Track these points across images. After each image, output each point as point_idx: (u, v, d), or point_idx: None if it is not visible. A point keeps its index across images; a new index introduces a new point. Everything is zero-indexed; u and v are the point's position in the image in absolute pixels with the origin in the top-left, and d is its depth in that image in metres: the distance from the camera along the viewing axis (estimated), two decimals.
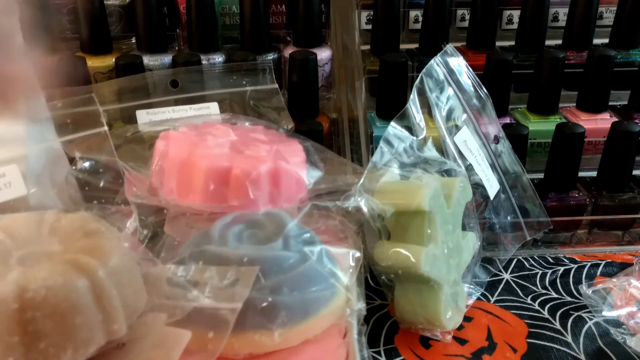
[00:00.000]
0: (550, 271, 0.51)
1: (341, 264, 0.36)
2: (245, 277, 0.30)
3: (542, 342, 0.43)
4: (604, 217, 0.54)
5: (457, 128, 0.48)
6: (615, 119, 0.58)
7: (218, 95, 0.49)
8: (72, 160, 0.37)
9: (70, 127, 0.37)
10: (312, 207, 0.36)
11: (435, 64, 0.48)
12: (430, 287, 0.41)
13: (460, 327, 0.44)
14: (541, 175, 0.55)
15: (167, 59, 0.56)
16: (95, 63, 0.55)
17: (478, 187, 0.47)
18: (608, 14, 0.66)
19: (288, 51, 0.57)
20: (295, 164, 0.31)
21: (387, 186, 0.41)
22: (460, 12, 0.67)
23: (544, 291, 0.49)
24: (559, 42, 0.64)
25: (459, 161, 0.46)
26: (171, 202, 0.37)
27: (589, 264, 0.52)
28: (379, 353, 0.42)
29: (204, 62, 0.55)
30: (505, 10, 0.66)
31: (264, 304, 0.31)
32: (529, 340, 0.44)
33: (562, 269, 0.51)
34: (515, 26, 0.65)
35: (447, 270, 0.42)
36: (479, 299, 0.48)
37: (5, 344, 0.25)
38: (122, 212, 0.34)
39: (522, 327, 0.45)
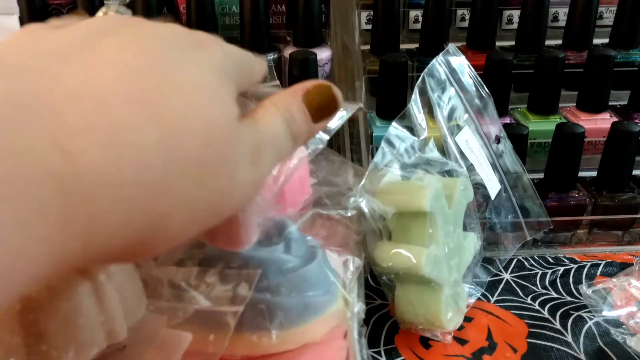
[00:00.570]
0: (550, 271, 0.51)
1: (341, 269, 0.36)
2: (247, 279, 0.30)
3: (542, 342, 0.44)
4: (604, 217, 0.54)
5: (459, 128, 0.48)
6: (615, 119, 0.58)
7: None
8: None
9: None
10: (314, 214, 0.36)
11: (437, 64, 0.48)
12: (430, 288, 0.41)
13: (461, 328, 0.44)
14: (541, 175, 0.55)
15: None
16: None
17: (479, 187, 0.48)
18: (608, 14, 0.66)
19: (288, 51, 0.58)
20: (297, 166, 0.31)
21: (389, 187, 0.41)
22: (460, 12, 0.67)
23: (544, 291, 0.49)
24: (559, 42, 0.64)
25: (461, 161, 0.46)
26: None
27: (589, 264, 0.52)
28: (379, 353, 0.42)
29: None
30: (505, 10, 0.66)
31: (262, 305, 0.31)
32: (529, 340, 0.44)
33: (562, 269, 0.51)
34: (515, 26, 0.65)
35: (448, 270, 0.42)
36: (479, 299, 0.48)
37: (7, 346, 0.25)
38: None
39: (522, 327, 0.45)
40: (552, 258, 0.53)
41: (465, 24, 0.65)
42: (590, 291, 0.47)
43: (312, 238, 0.34)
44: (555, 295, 0.48)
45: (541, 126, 0.58)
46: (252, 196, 0.23)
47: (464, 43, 0.63)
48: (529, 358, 0.42)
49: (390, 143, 0.43)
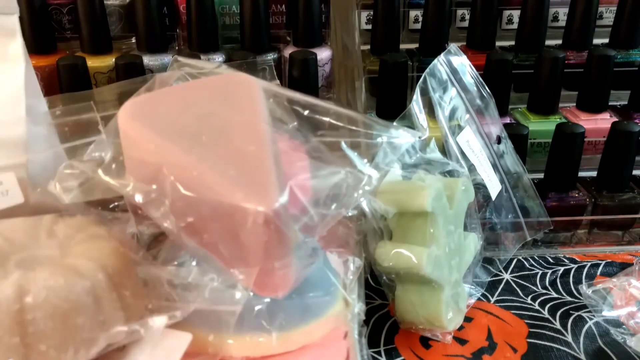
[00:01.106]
0: (550, 271, 0.51)
1: (342, 270, 0.36)
2: (246, 279, 0.30)
3: (542, 342, 0.44)
4: (604, 217, 0.54)
5: (460, 128, 0.48)
6: (615, 119, 0.58)
7: None
8: None
9: (69, 135, 0.37)
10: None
11: (439, 64, 0.48)
12: (431, 288, 0.41)
13: (461, 328, 0.44)
14: (541, 175, 0.55)
15: (167, 59, 0.56)
16: (95, 63, 0.55)
17: (480, 188, 0.47)
18: (608, 14, 0.66)
19: (288, 51, 0.57)
20: (299, 169, 0.31)
21: (390, 187, 0.41)
22: (460, 12, 0.67)
23: (544, 291, 0.49)
24: (559, 42, 0.64)
25: (462, 161, 0.46)
26: None
27: (589, 264, 0.52)
28: (379, 353, 0.42)
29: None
30: (505, 10, 0.66)
31: (262, 306, 0.31)
32: (529, 340, 0.44)
33: (562, 269, 0.51)
34: (515, 26, 0.65)
35: (449, 271, 0.42)
36: (479, 299, 0.48)
37: (6, 345, 0.25)
38: (121, 219, 0.34)
39: (522, 327, 0.45)
40: (552, 258, 0.53)
41: (465, 24, 0.65)
42: (591, 291, 0.47)
43: (312, 239, 0.34)
44: (555, 295, 0.48)
45: (541, 126, 0.58)
46: None
47: (464, 43, 0.63)
48: (529, 358, 0.42)
49: (390, 143, 0.43)
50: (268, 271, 0.30)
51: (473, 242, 0.46)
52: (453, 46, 0.51)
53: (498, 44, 0.63)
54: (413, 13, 0.66)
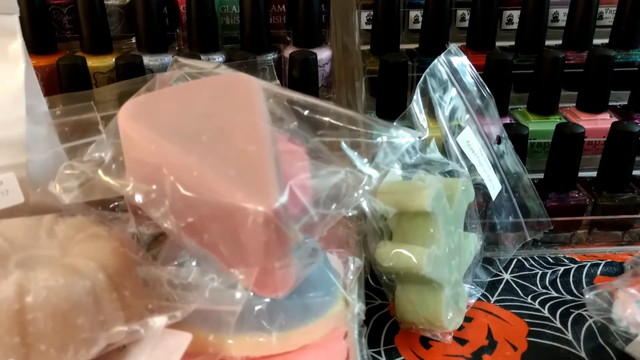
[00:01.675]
0: (550, 271, 0.51)
1: (342, 270, 0.36)
2: (246, 279, 0.30)
3: (543, 341, 0.44)
4: (604, 217, 0.54)
5: (460, 128, 0.48)
6: (615, 119, 0.58)
7: None
8: None
9: (69, 135, 0.37)
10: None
11: (439, 64, 0.48)
12: (431, 288, 0.41)
13: (461, 328, 0.44)
14: (541, 175, 0.55)
15: (167, 59, 0.56)
16: (95, 63, 0.55)
17: (480, 188, 0.47)
18: (608, 14, 0.66)
19: (288, 51, 0.57)
20: (299, 169, 0.31)
21: (390, 187, 0.41)
22: (460, 12, 0.67)
23: (544, 291, 0.49)
24: (559, 42, 0.64)
25: (462, 161, 0.46)
26: None
27: (589, 264, 0.52)
28: (379, 353, 0.42)
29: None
30: (505, 10, 0.66)
31: (262, 306, 0.31)
32: (529, 338, 0.44)
33: (562, 269, 0.51)
34: (515, 26, 0.65)
35: (449, 271, 0.42)
36: (479, 299, 0.48)
37: (6, 345, 0.25)
38: (121, 219, 0.34)
39: (522, 325, 0.45)
40: (552, 258, 0.53)
41: (465, 24, 0.65)
42: (592, 295, 0.47)
43: (313, 239, 0.34)
44: (555, 295, 0.48)
45: (541, 126, 0.58)
46: None
47: (464, 43, 0.63)
48: (529, 356, 0.42)
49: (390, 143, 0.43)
50: (268, 271, 0.30)
51: (473, 242, 0.46)
52: (453, 46, 0.51)
53: (498, 44, 0.63)
54: (413, 13, 0.66)
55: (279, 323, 0.32)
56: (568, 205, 0.53)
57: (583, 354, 0.42)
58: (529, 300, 0.48)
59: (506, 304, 0.47)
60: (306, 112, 0.36)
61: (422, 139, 0.45)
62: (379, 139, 0.36)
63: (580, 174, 0.54)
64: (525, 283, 0.50)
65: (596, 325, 0.45)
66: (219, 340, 0.31)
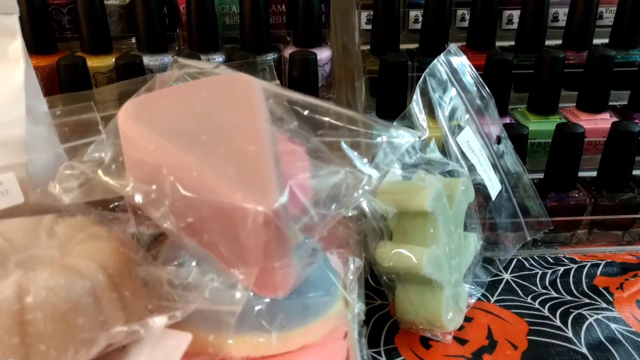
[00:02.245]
0: (550, 271, 0.51)
1: (342, 270, 0.36)
2: (246, 279, 0.30)
3: (543, 339, 0.44)
4: (604, 217, 0.54)
5: (460, 128, 0.48)
6: (615, 119, 0.58)
7: None
8: None
9: (69, 135, 0.37)
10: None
11: (439, 64, 0.48)
12: (431, 288, 0.41)
13: (461, 328, 0.44)
14: (541, 175, 0.55)
15: (167, 59, 0.56)
16: (95, 63, 0.55)
17: (480, 188, 0.47)
18: (608, 14, 0.66)
19: (288, 51, 0.57)
20: (299, 169, 0.31)
21: (390, 187, 0.41)
22: (460, 12, 0.67)
23: (544, 291, 0.49)
24: (559, 42, 0.64)
25: (462, 161, 0.46)
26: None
27: (589, 264, 0.52)
28: (379, 353, 0.42)
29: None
30: (505, 10, 0.66)
31: (262, 306, 0.31)
32: (529, 337, 0.44)
33: (562, 269, 0.51)
34: (515, 26, 0.65)
35: (449, 271, 0.42)
36: (479, 299, 0.48)
37: (6, 346, 0.25)
38: (121, 219, 0.34)
39: (523, 325, 0.45)
40: (552, 258, 0.53)
41: (465, 24, 0.65)
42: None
43: (312, 239, 0.34)
44: (555, 295, 0.48)
45: (541, 126, 0.58)
46: None
47: (464, 43, 0.63)
48: (529, 355, 0.42)
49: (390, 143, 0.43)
50: (268, 271, 0.30)
51: (473, 242, 0.46)
52: (453, 46, 0.51)
53: (498, 44, 0.63)
54: (413, 13, 0.66)
55: (279, 323, 0.32)
56: (568, 205, 0.53)
57: (585, 350, 0.42)
58: (529, 300, 0.48)
59: (506, 304, 0.47)
60: (306, 112, 0.36)
61: (422, 139, 0.45)
62: (379, 139, 0.36)
63: (580, 174, 0.54)
64: (525, 283, 0.50)
65: (597, 323, 0.45)
66: (219, 340, 0.31)
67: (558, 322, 0.45)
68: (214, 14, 0.57)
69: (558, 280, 0.50)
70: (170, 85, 0.39)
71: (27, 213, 0.33)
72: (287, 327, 0.32)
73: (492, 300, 0.48)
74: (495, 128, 0.51)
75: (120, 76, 0.53)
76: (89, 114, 0.37)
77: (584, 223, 0.55)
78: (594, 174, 0.55)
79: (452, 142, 0.47)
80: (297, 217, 0.30)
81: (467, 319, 0.45)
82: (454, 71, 0.50)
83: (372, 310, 0.46)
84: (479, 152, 0.48)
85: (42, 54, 0.55)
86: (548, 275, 0.51)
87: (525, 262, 0.52)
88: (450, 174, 0.46)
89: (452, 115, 0.48)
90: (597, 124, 0.58)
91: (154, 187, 0.30)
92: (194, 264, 0.32)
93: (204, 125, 0.32)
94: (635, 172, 0.55)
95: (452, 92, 0.49)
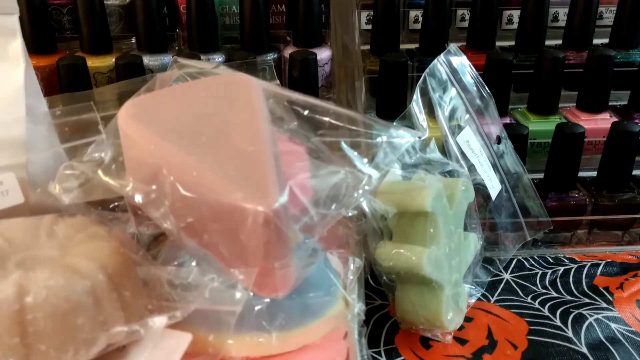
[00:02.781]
0: (550, 271, 0.51)
1: (342, 270, 0.36)
2: (245, 279, 0.30)
3: (543, 339, 0.44)
4: (604, 217, 0.54)
5: (460, 128, 0.47)
6: (615, 119, 0.58)
7: None
8: None
9: (69, 135, 0.37)
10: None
11: (439, 64, 0.48)
12: (431, 288, 0.41)
13: (461, 328, 0.44)
14: (541, 175, 0.55)
15: (167, 59, 0.56)
16: (95, 63, 0.55)
17: (480, 188, 0.47)
18: (608, 14, 0.66)
19: (288, 51, 0.57)
20: (299, 169, 0.31)
21: (390, 187, 0.41)
22: (460, 12, 0.67)
23: (544, 291, 0.49)
24: (559, 42, 0.64)
25: (462, 161, 0.46)
26: None
27: (589, 263, 0.52)
28: (379, 353, 0.42)
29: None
30: (505, 10, 0.66)
31: (262, 306, 0.31)
32: (529, 337, 0.44)
33: (562, 269, 0.51)
34: (515, 26, 0.65)
35: (449, 271, 0.42)
36: (479, 299, 0.48)
37: (6, 346, 0.25)
38: (121, 219, 0.34)
39: (523, 325, 0.45)
40: (552, 258, 0.53)
41: (465, 24, 0.65)
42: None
43: (312, 239, 0.34)
44: (555, 295, 0.48)
45: (541, 126, 0.58)
46: None
47: (464, 43, 0.63)
48: (529, 354, 0.42)
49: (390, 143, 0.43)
50: (268, 271, 0.30)
51: (473, 242, 0.46)
52: (453, 46, 0.51)
53: (498, 44, 0.63)
54: (413, 13, 0.66)
55: (279, 323, 0.32)
56: (568, 205, 0.53)
57: (585, 350, 0.42)
58: (529, 300, 0.48)
59: (506, 303, 0.47)
60: (306, 112, 0.36)
61: (422, 138, 0.45)
62: (379, 139, 0.36)
63: (580, 174, 0.54)
64: (525, 283, 0.50)
65: (597, 323, 0.45)
66: (219, 340, 0.31)
67: (558, 322, 0.45)
68: (214, 14, 0.57)
69: (558, 280, 0.50)
70: (170, 85, 0.39)
71: (27, 213, 0.33)
72: (287, 327, 0.32)
73: (492, 300, 0.48)
74: (495, 128, 0.51)
75: (120, 76, 0.53)
76: (89, 114, 0.37)
77: (584, 223, 0.55)
78: (594, 174, 0.55)
79: (452, 142, 0.47)
80: (297, 217, 0.30)
81: (467, 319, 0.45)
82: (454, 71, 0.50)
83: (372, 310, 0.46)
84: (479, 152, 0.48)
85: (42, 54, 0.55)
86: (548, 275, 0.51)
87: (525, 262, 0.52)
88: (450, 174, 0.46)
89: (452, 115, 0.48)
90: (597, 124, 0.58)
91: (154, 187, 0.30)
92: (194, 264, 0.32)
93: (204, 125, 0.32)
94: (635, 172, 0.55)
95: (452, 92, 0.49)
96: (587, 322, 0.45)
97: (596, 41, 0.64)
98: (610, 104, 0.60)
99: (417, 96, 0.46)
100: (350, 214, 0.38)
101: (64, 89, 0.52)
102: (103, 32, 0.56)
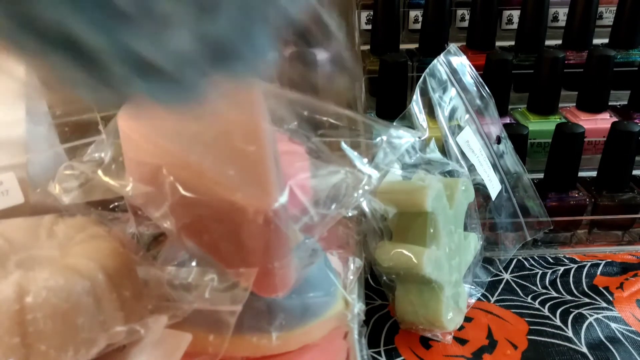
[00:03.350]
0: (550, 271, 0.51)
1: (342, 270, 0.36)
2: (245, 279, 0.30)
3: (543, 339, 0.44)
4: (604, 217, 0.54)
5: (460, 128, 0.47)
6: (615, 119, 0.58)
7: None
8: None
9: (69, 135, 0.37)
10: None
11: (439, 64, 0.48)
12: (431, 288, 0.41)
13: (461, 328, 0.44)
14: (541, 175, 0.55)
15: None
16: None
17: (480, 188, 0.47)
18: (608, 14, 0.66)
19: (288, 51, 0.57)
20: (299, 169, 0.31)
21: (390, 187, 0.41)
22: (460, 12, 0.67)
23: (544, 291, 0.49)
24: (559, 42, 0.64)
25: (462, 161, 0.46)
26: None
27: (589, 263, 0.52)
28: (379, 353, 0.42)
29: None
30: (505, 10, 0.66)
31: (262, 306, 0.31)
32: (529, 337, 0.44)
33: (562, 268, 0.51)
34: (515, 26, 0.65)
35: (449, 271, 0.42)
36: (479, 299, 0.48)
37: (6, 346, 0.25)
38: (121, 219, 0.34)
39: (523, 324, 0.45)
40: (552, 258, 0.53)
41: (465, 24, 0.65)
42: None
43: (312, 239, 0.34)
44: (555, 295, 0.48)
45: (541, 126, 0.58)
46: None
47: (464, 43, 0.63)
48: (529, 354, 0.42)
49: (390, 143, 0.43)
50: (268, 271, 0.30)
51: (473, 242, 0.46)
52: (453, 46, 0.51)
53: (498, 44, 0.63)
54: (413, 13, 0.66)
55: (279, 323, 0.31)
56: (568, 205, 0.53)
57: (585, 349, 0.42)
58: (529, 300, 0.48)
59: (506, 303, 0.47)
60: (306, 112, 0.36)
61: (422, 139, 0.45)
62: (379, 139, 0.36)
63: (580, 174, 0.54)
64: (525, 283, 0.50)
65: (597, 322, 0.45)
66: (219, 340, 0.31)
67: (558, 322, 0.45)
68: None
69: (558, 280, 0.50)
70: None
71: (27, 213, 0.33)
72: (287, 327, 0.32)
73: (492, 300, 0.48)
74: (495, 128, 0.51)
75: None
76: (89, 114, 0.37)
77: (584, 223, 0.55)
78: (594, 174, 0.55)
79: (452, 142, 0.47)
80: (297, 217, 0.30)
81: (467, 319, 0.45)
82: (453, 71, 0.50)
83: (372, 310, 0.46)
84: (478, 152, 0.48)
85: None
86: (548, 275, 0.51)
87: (525, 262, 0.52)
88: (450, 174, 0.46)
89: (452, 115, 0.48)
90: (597, 123, 0.58)
91: (154, 187, 0.30)
92: (193, 264, 0.32)
93: (204, 125, 0.32)
94: (635, 172, 0.55)
95: (452, 92, 0.49)
96: (587, 322, 0.45)
97: (596, 41, 0.64)
98: (610, 104, 0.60)
99: (417, 96, 0.46)
100: (350, 214, 0.38)
101: None
102: None
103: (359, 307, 0.35)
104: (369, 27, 0.63)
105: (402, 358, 0.42)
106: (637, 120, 0.58)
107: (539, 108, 0.59)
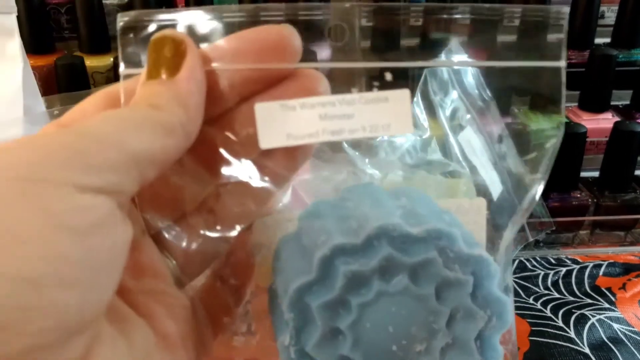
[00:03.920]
0: (552, 272, 0.51)
1: None
2: None
3: (545, 340, 0.43)
4: (606, 217, 0.54)
5: (461, 128, 0.47)
6: (617, 119, 0.58)
7: None
8: None
9: None
10: None
11: None
12: None
13: None
14: None
15: None
16: (94, 62, 0.55)
17: (481, 188, 0.47)
18: (610, 14, 0.66)
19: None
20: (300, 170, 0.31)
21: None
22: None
23: (546, 292, 0.49)
24: None
25: (463, 162, 0.46)
26: None
27: (591, 264, 0.52)
28: None
29: None
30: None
31: None
32: (531, 338, 0.44)
33: (564, 269, 0.51)
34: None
35: None
36: None
37: None
38: None
39: (525, 325, 0.45)
40: (554, 259, 0.53)
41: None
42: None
43: None
44: (558, 296, 0.48)
45: (544, 126, 0.57)
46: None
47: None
48: (531, 355, 0.42)
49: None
50: None
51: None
52: (453, 44, 0.51)
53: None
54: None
55: None
56: (570, 205, 0.53)
57: (587, 350, 0.42)
58: (530, 300, 0.48)
59: None
60: None
61: (423, 138, 0.45)
62: (379, 139, 0.36)
63: (582, 174, 0.54)
64: (527, 284, 0.49)
65: (599, 323, 0.45)
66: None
67: (560, 323, 0.45)
68: None
69: (560, 281, 0.50)
70: None
71: None
72: None
73: None
74: (496, 128, 0.51)
75: (119, 76, 0.53)
76: None
77: (586, 223, 0.55)
78: (596, 174, 0.55)
79: (453, 142, 0.46)
80: None
81: None
82: (455, 71, 0.49)
83: None
84: (480, 152, 0.48)
85: (40, 53, 0.54)
86: (550, 276, 0.50)
87: (527, 263, 0.52)
88: (452, 174, 0.45)
89: (453, 115, 0.48)
90: (599, 123, 0.58)
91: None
92: None
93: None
94: (637, 172, 0.54)
95: (453, 92, 0.48)
96: (589, 323, 0.45)
97: (598, 41, 0.64)
98: (612, 103, 0.60)
99: (417, 96, 0.46)
100: None
101: (62, 89, 0.52)
102: (101, 31, 0.56)
103: None
104: (370, 24, 0.63)
105: None
106: (639, 120, 0.58)
107: (540, 108, 0.59)
